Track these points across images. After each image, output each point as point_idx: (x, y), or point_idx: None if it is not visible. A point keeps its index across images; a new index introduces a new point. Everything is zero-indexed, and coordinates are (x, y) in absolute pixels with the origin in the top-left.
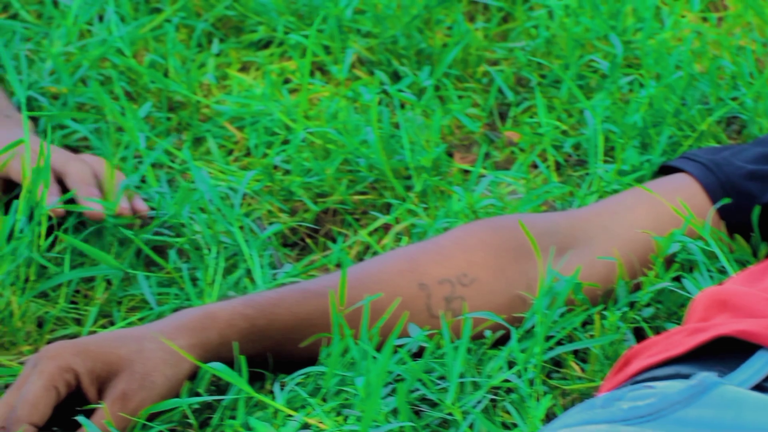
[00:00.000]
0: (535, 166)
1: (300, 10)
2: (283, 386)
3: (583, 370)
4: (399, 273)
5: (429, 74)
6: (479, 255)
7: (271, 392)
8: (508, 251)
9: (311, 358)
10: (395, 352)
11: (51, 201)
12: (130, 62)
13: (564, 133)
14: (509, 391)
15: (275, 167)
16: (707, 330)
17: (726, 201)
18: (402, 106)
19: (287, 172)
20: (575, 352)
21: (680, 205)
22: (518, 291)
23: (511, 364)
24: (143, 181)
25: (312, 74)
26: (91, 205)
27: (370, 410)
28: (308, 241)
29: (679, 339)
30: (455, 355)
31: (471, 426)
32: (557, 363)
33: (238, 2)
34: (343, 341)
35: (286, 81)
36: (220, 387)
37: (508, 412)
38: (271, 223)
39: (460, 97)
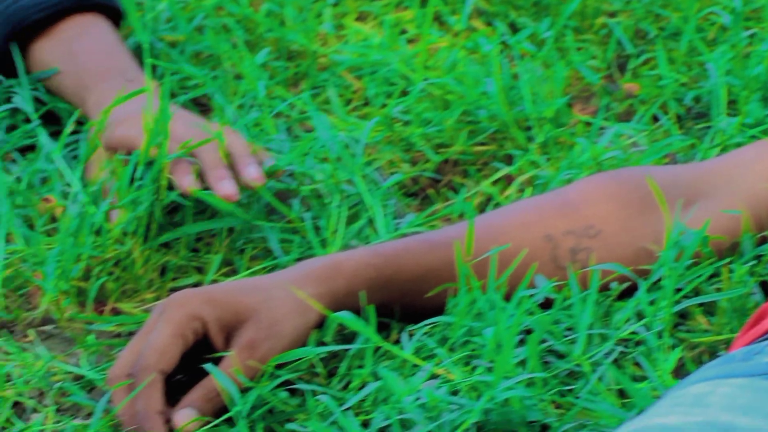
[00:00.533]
0: (655, 119)
1: None
2: (410, 336)
3: (709, 322)
4: (524, 224)
5: (549, 26)
6: (604, 207)
7: (398, 342)
8: (633, 203)
9: (436, 308)
10: (520, 303)
11: (184, 182)
12: (246, 11)
13: (683, 85)
14: (637, 343)
15: (394, 118)
16: None
17: None
18: (521, 57)
19: (406, 123)
20: (701, 305)
21: None
22: (644, 243)
23: (638, 317)
24: (259, 127)
25: (430, 25)
26: (223, 188)
27: (502, 361)
28: (429, 191)
29: None
30: (583, 307)
31: (600, 378)
32: (683, 315)
33: None
34: (471, 293)
35: (403, 31)
36: (346, 336)
37: (636, 365)
38: (392, 174)
39: (578, 49)
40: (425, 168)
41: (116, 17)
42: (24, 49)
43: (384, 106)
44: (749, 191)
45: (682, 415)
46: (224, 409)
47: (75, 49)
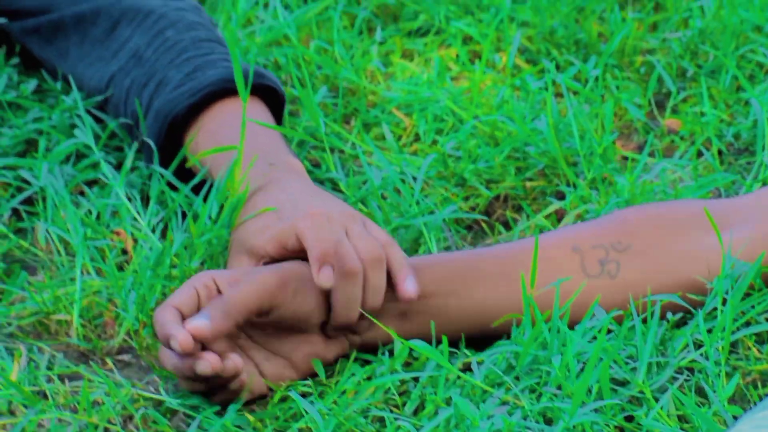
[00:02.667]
0: (698, 155)
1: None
2: (479, 363)
3: (760, 351)
4: (557, 239)
5: (594, 64)
6: (635, 225)
7: (467, 370)
8: (666, 224)
9: (493, 334)
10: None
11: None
12: (300, 48)
13: (722, 121)
14: (690, 369)
15: (448, 154)
16: None
17: None
18: (567, 94)
19: (458, 159)
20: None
21: None
22: (676, 261)
23: (695, 345)
24: (316, 165)
25: (471, 62)
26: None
27: (578, 389)
28: (483, 225)
29: None
30: (645, 337)
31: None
32: (734, 344)
33: None
34: (538, 325)
35: (448, 68)
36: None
37: (696, 391)
38: (446, 208)
39: (617, 87)
40: (477, 203)
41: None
42: (173, 137)
43: (434, 142)
44: None
45: None
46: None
47: (221, 140)
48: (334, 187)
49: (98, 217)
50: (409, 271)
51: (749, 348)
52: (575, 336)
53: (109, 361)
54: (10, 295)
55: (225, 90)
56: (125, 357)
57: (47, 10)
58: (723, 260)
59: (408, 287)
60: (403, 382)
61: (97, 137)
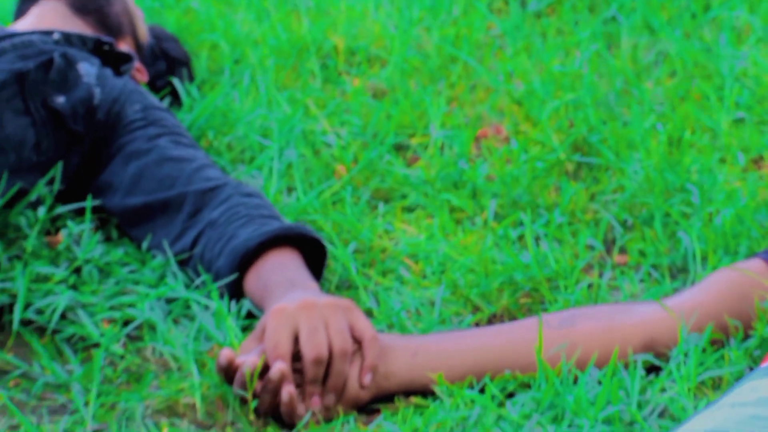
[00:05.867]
0: (648, 276)
1: (437, 181)
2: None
3: (715, 391)
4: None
5: (560, 214)
6: (590, 308)
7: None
8: (610, 307)
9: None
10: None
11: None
12: (322, 222)
13: (659, 255)
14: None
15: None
16: None
17: None
18: (538, 238)
19: (462, 286)
20: None
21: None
22: (622, 322)
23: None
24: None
25: (457, 224)
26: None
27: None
28: None
29: None
30: (633, 381)
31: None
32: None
33: (389, 176)
34: (551, 375)
35: (442, 229)
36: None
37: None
38: (460, 322)
39: (573, 234)
40: (482, 317)
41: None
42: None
43: (440, 281)
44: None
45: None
46: None
47: (267, 284)
48: (368, 313)
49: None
50: (368, 370)
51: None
52: (585, 379)
53: (228, 429)
54: (143, 389)
55: (278, 239)
56: (239, 425)
57: (133, 192)
58: (681, 324)
59: (365, 381)
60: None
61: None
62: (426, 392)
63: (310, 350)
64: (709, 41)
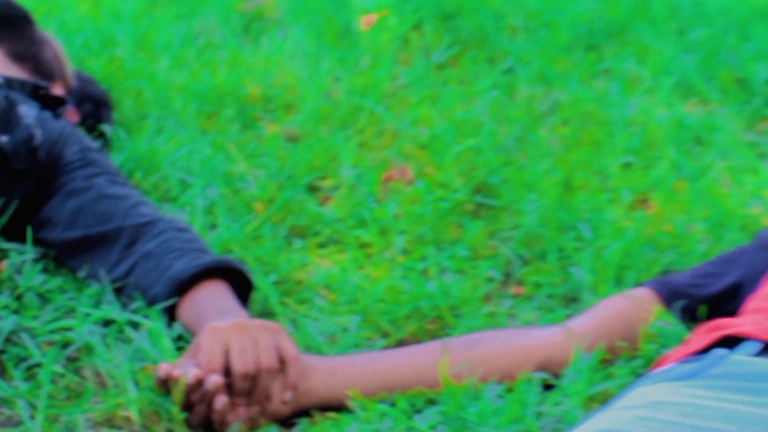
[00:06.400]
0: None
1: (348, 218)
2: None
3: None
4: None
5: (462, 248)
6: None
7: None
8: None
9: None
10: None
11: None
12: (244, 255)
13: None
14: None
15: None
16: (720, 329)
17: (680, 302)
18: (442, 270)
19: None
20: None
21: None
22: (522, 344)
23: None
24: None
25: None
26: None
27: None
28: None
29: (695, 342)
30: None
31: None
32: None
33: (304, 214)
34: (457, 391)
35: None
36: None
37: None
38: (371, 345)
39: (473, 267)
40: (391, 342)
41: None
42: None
43: (353, 309)
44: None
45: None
46: None
47: (200, 310)
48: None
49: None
50: (290, 387)
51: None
52: (487, 394)
53: None
54: (83, 403)
55: (210, 270)
56: None
57: (72, 227)
58: (573, 346)
59: (286, 397)
60: None
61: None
62: (342, 408)
63: (240, 366)
64: (600, 91)
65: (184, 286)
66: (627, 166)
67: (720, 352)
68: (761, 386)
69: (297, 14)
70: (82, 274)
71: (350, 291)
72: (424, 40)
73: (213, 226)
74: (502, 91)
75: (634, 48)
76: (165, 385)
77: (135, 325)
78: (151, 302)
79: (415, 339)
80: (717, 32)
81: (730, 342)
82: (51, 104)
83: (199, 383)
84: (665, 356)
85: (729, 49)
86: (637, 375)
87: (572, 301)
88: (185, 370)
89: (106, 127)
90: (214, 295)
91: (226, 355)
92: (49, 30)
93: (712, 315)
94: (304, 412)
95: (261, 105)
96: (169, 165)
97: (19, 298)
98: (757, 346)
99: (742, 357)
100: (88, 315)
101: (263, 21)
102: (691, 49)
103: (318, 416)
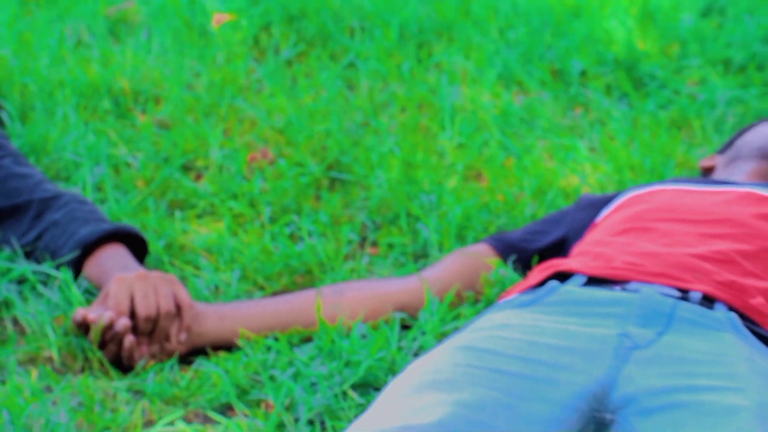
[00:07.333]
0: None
1: (220, 193)
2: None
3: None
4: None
5: (323, 215)
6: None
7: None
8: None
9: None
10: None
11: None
12: (134, 224)
13: (405, 245)
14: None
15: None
16: (550, 268)
17: (514, 255)
18: (309, 233)
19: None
20: None
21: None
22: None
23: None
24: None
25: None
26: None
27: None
28: None
29: (533, 277)
30: (393, 333)
31: None
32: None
33: (181, 190)
34: (330, 329)
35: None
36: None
37: None
38: (251, 297)
39: (334, 231)
40: (267, 294)
41: (136, 242)
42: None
43: (232, 267)
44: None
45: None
46: None
47: (105, 267)
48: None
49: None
50: (184, 329)
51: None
52: (356, 331)
53: (80, 374)
54: (9, 347)
55: (112, 235)
56: (87, 371)
57: None
58: (426, 292)
59: (181, 337)
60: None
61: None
62: (231, 347)
63: (143, 309)
64: (432, 82)
65: (90, 248)
66: (461, 146)
67: (553, 284)
68: (586, 310)
69: (157, 17)
70: None
71: (228, 253)
72: (273, 40)
73: (103, 201)
74: (345, 84)
75: (461, 45)
76: (81, 327)
77: (45, 284)
78: (60, 264)
79: (288, 291)
80: (534, 29)
81: (562, 277)
82: None
83: (110, 325)
84: (509, 290)
85: (546, 45)
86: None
87: (421, 257)
88: (100, 313)
89: (3, 114)
90: (115, 255)
91: (131, 300)
92: None
93: None
94: (200, 351)
95: (132, 97)
96: (59, 149)
97: None
98: (583, 279)
99: (571, 287)
100: (4, 273)
101: (127, 24)
102: (511, 45)
103: (212, 354)
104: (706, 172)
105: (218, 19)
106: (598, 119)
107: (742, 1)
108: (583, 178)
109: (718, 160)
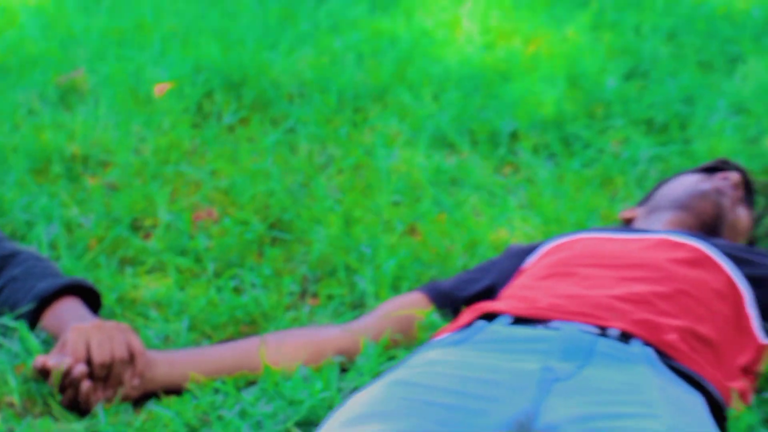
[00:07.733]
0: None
1: (168, 251)
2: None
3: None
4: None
5: (266, 269)
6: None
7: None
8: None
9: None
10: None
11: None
12: (87, 280)
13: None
14: None
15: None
16: (479, 310)
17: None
18: (252, 285)
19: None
20: None
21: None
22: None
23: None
24: None
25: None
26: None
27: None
28: None
29: (463, 318)
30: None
31: None
32: None
33: (131, 248)
34: (273, 373)
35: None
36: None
37: None
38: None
39: (276, 284)
40: (214, 342)
41: (92, 295)
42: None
43: (181, 318)
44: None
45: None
46: None
47: (62, 319)
48: None
49: None
50: (137, 375)
51: None
52: (298, 373)
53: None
54: None
55: (68, 288)
56: (47, 414)
57: None
58: (363, 338)
59: (134, 383)
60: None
61: None
62: (181, 391)
63: (98, 356)
64: (368, 145)
65: (47, 300)
66: (396, 203)
67: (481, 323)
68: (512, 347)
69: (104, 85)
70: None
71: (177, 305)
72: (215, 106)
73: (57, 258)
74: (285, 147)
75: (395, 109)
76: (42, 373)
77: (5, 335)
78: (19, 316)
79: (234, 339)
80: (467, 93)
81: (490, 317)
82: None
83: (68, 371)
84: (441, 330)
85: (477, 107)
86: None
87: (359, 307)
88: (59, 360)
89: None
90: (71, 307)
91: (88, 348)
92: None
93: None
94: (152, 394)
95: (82, 162)
96: (14, 210)
97: None
98: (509, 319)
99: (498, 327)
100: None
101: (77, 92)
102: (444, 108)
103: (163, 397)
104: (627, 223)
105: (160, 88)
106: (527, 177)
107: (664, 64)
108: (512, 231)
109: (639, 212)
